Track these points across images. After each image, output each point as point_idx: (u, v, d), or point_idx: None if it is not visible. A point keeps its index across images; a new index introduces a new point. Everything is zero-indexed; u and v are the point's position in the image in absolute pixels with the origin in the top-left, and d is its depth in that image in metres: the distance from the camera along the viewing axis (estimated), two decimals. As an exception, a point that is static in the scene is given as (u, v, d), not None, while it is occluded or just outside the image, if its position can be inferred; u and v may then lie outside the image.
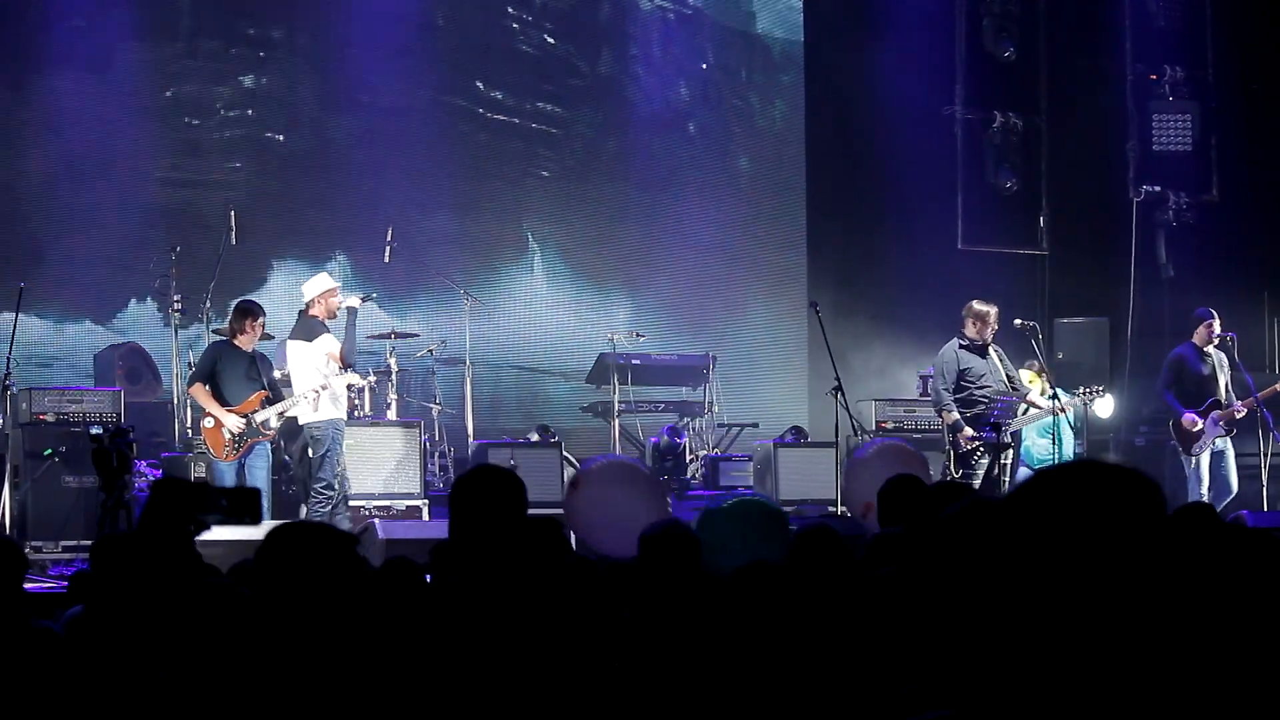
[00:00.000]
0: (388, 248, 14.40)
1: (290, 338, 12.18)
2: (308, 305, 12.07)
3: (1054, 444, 12.82)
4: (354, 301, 12.14)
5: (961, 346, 12.49)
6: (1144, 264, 16.53)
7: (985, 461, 12.16)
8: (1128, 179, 16.78)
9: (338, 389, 11.85)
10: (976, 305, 12.55)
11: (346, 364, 11.87)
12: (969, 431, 12.24)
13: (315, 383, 11.72)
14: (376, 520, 11.11)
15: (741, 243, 18.08)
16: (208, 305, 13.53)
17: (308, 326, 11.99)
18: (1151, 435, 15.24)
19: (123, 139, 15.29)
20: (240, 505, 3.59)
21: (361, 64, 15.97)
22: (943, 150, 17.00)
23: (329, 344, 11.90)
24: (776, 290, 18.08)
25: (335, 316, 11.98)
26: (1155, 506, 2.01)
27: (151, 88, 15.55)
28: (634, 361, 15.22)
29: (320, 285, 12.15)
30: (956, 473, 12.12)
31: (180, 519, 3.42)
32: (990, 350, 12.48)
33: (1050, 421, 12.75)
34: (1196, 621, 2.02)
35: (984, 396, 12.38)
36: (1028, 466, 13.03)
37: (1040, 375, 12.97)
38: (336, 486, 11.72)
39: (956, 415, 12.32)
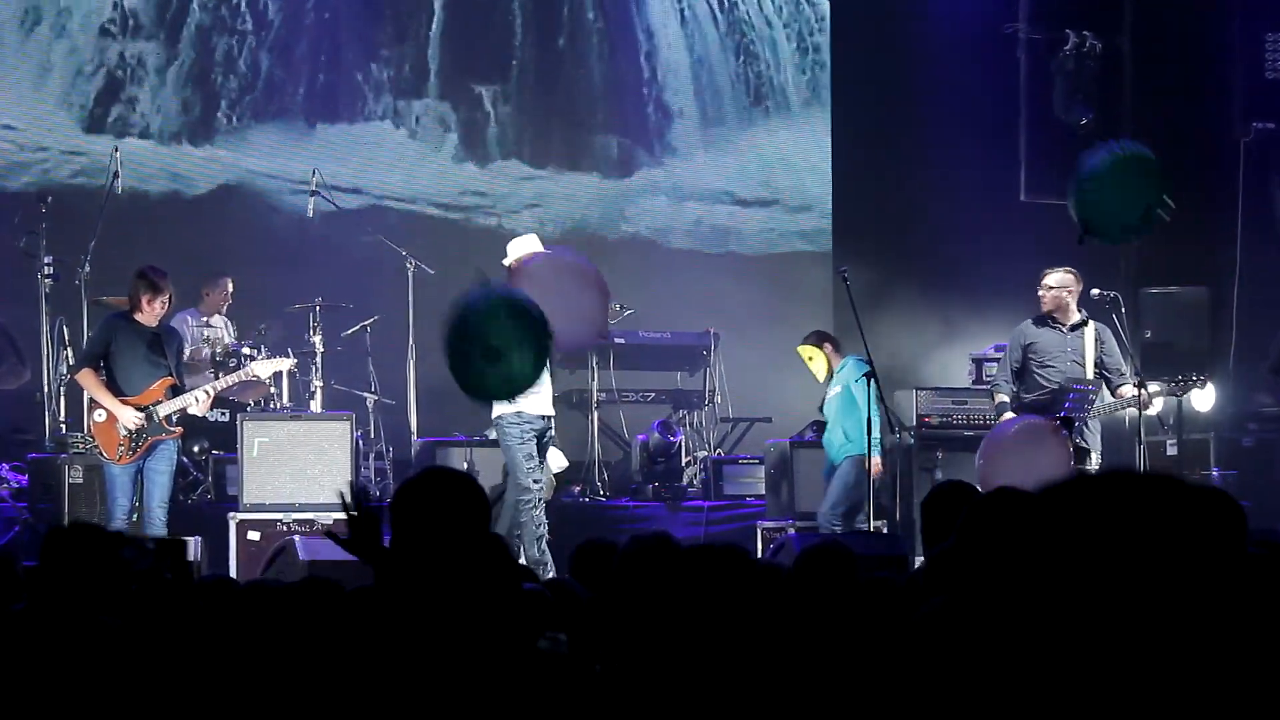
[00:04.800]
0: (311, 199, 14.40)
1: None
2: (508, 269, 12.24)
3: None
4: None
5: (1035, 320, 12.63)
6: (1254, 219, 16.54)
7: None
8: (1233, 114, 16.80)
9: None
10: (1044, 274, 12.74)
11: None
12: (1011, 417, 12.30)
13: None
14: (297, 537, 11.14)
15: (752, 194, 18.11)
16: (86, 270, 13.54)
17: None
18: (1263, 434, 15.28)
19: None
20: (165, 554, 3.63)
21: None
22: (1003, 79, 17.02)
23: None
24: (794, 254, 18.12)
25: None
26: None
27: None
28: (618, 340, 15.25)
29: (528, 247, 12.32)
30: None
31: (83, 582, 3.44)
32: (1087, 330, 12.58)
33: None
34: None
35: (1047, 381, 12.45)
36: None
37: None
38: (530, 487, 11.92)
39: (1006, 398, 12.43)
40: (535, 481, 11.98)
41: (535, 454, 12.01)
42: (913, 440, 14.34)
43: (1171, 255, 16.57)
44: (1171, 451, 14.49)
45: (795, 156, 18.34)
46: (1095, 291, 12.97)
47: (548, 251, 12.12)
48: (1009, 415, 12.42)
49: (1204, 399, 14.43)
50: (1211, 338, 15.43)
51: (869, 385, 12.76)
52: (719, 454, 15.37)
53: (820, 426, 14.77)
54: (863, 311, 13.02)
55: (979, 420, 14.13)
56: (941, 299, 16.72)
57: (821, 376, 13.52)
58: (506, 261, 12.31)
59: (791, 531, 12.86)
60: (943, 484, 6.56)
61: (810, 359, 13.61)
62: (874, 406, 12.96)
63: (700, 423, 15.70)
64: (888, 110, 17.46)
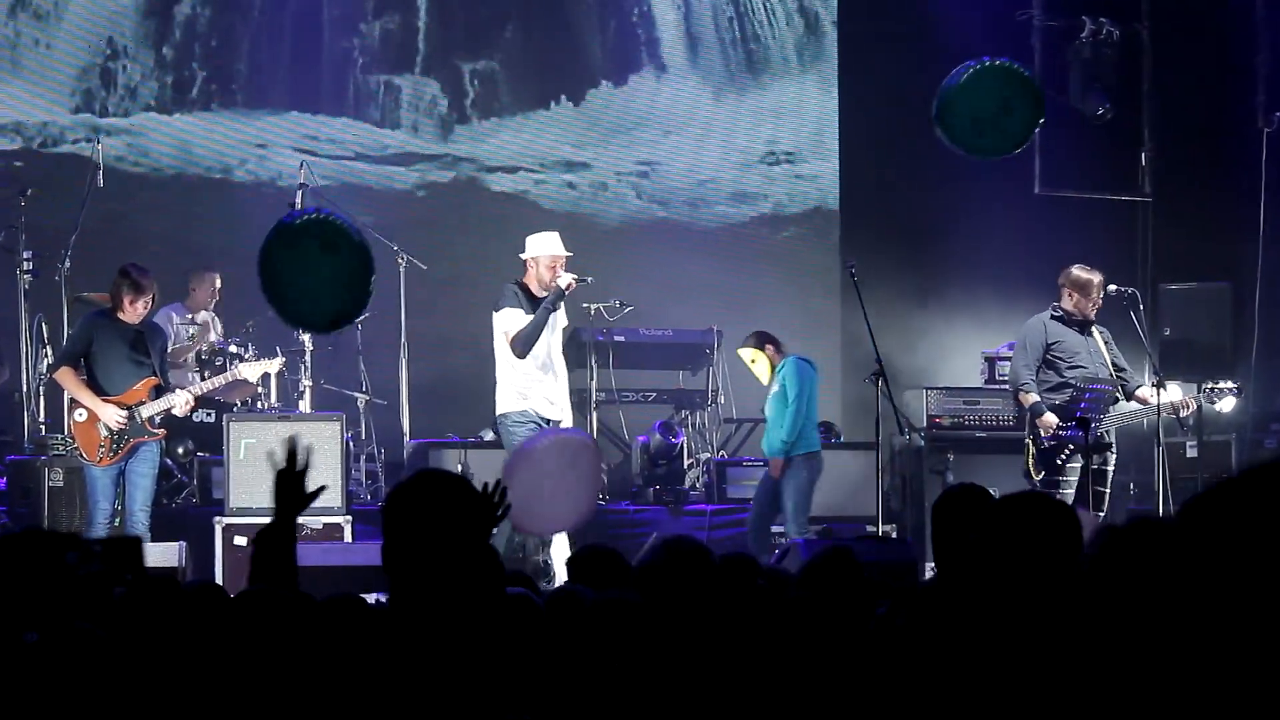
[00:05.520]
0: (300, 192, 14.39)
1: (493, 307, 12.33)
2: (525, 264, 12.23)
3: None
4: (567, 281, 12.18)
5: (1054, 317, 12.60)
6: (1277, 212, 16.55)
7: (1076, 465, 12.21)
8: (1256, 103, 16.80)
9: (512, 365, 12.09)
10: (1077, 272, 12.67)
11: (515, 352, 12.00)
12: (1052, 419, 12.29)
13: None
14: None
15: (756, 187, 18.12)
16: (67, 265, 13.54)
17: (498, 292, 12.20)
18: (1287, 434, 15.30)
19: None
20: (116, 556, 3.64)
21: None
22: (1017, 67, 17.01)
23: (511, 320, 12.07)
24: (800, 248, 18.12)
25: (546, 292, 12.12)
26: None
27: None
28: (617, 338, 15.25)
29: (545, 246, 12.33)
30: (1037, 476, 12.20)
31: (37, 583, 3.46)
32: (1095, 331, 12.59)
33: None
34: None
35: (1074, 380, 12.45)
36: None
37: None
38: None
39: (1037, 396, 12.41)
40: None
41: None
42: (923, 442, 14.35)
43: (1191, 250, 16.58)
44: (1192, 454, 14.48)
45: (799, 151, 18.35)
46: (1113, 287, 12.95)
47: (555, 435, 12.02)
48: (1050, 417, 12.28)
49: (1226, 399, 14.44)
50: (1233, 335, 15.42)
51: (877, 383, 12.78)
52: (722, 456, 15.36)
53: (828, 427, 14.80)
54: (871, 308, 13.02)
55: (992, 421, 14.12)
56: (952, 293, 16.72)
57: (765, 379, 13.53)
58: (524, 255, 12.32)
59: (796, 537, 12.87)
60: (954, 487, 6.55)
61: (753, 361, 13.63)
62: (811, 404, 13.08)
63: (703, 424, 15.70)
64: (896, 101, 17.44)
